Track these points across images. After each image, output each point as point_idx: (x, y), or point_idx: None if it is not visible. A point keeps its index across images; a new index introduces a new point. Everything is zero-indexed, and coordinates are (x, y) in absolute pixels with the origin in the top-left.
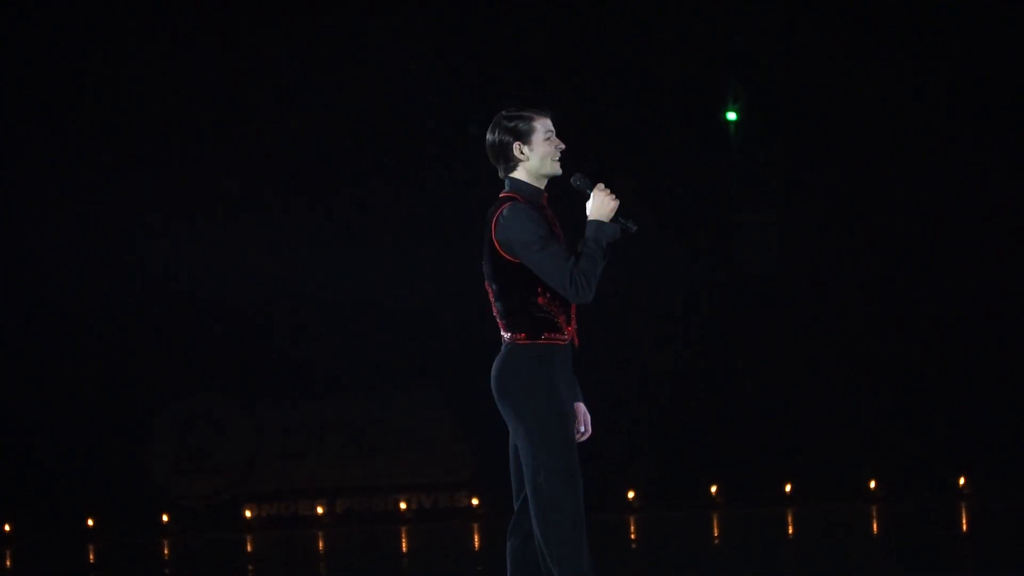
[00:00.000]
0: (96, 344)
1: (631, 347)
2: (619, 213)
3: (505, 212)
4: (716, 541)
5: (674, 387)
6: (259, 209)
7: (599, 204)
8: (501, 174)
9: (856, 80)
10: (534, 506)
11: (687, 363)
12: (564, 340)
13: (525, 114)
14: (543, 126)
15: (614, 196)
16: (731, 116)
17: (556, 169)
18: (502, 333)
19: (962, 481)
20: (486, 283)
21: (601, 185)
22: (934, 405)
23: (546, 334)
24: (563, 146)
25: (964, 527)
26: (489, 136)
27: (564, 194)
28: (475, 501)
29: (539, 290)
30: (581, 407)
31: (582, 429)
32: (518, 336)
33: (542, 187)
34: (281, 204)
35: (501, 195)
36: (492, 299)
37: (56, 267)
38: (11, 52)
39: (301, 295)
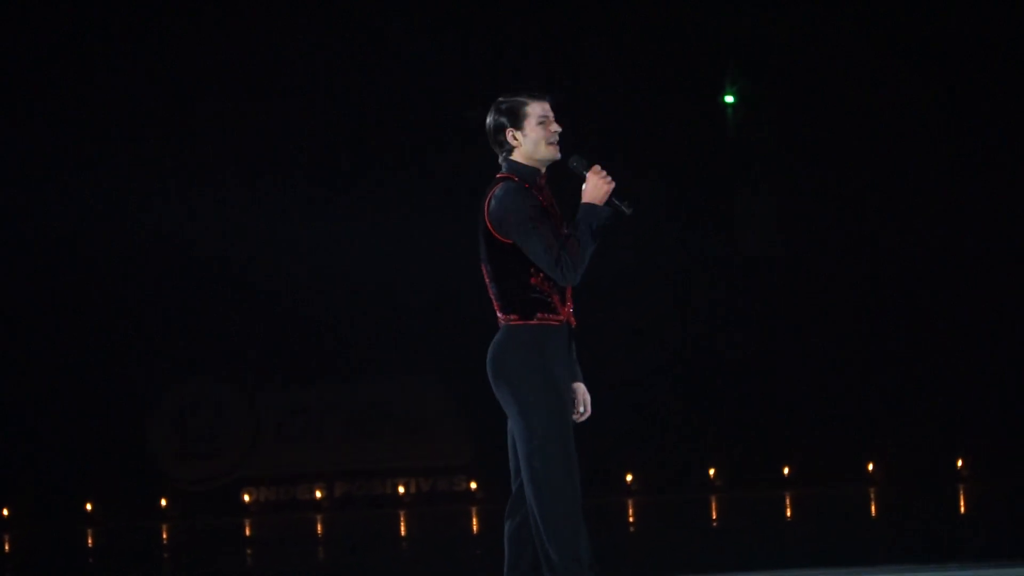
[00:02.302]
0: (96, 329)
1: (630, 331)
2: (613, 195)
3: (498, 192)
4: (714, 524)
5: (672, 372)
6: (257, 195)
7: (592, 187)
8: (500, 159)
9: (858, 62)
10: (530, 488)
11: (686, 347)
12: (559, 321)
13: (519, 99)
14: (536, 111)
15: (609, 179)
16: (728, 99)
17: (552, 153)
18: (497, 314)
19: (960, 463)
20: (481, 264)
21: (597, 167)
22: (932, 388)
23: (540, 315)
24: (559, 129)
25: (962, 510)
26: (487, 120)
27: (564, 177)
28: (473, 485)
29: (532, 271)
30: (581, 387)
31: (581, 409)
32: (511, 317)
33: (541, 168)
34: (280, 190)
35: (498, 176)
36: (487, 280)
37: (55, 252)
38: (31, 24)
39: (300, 281)
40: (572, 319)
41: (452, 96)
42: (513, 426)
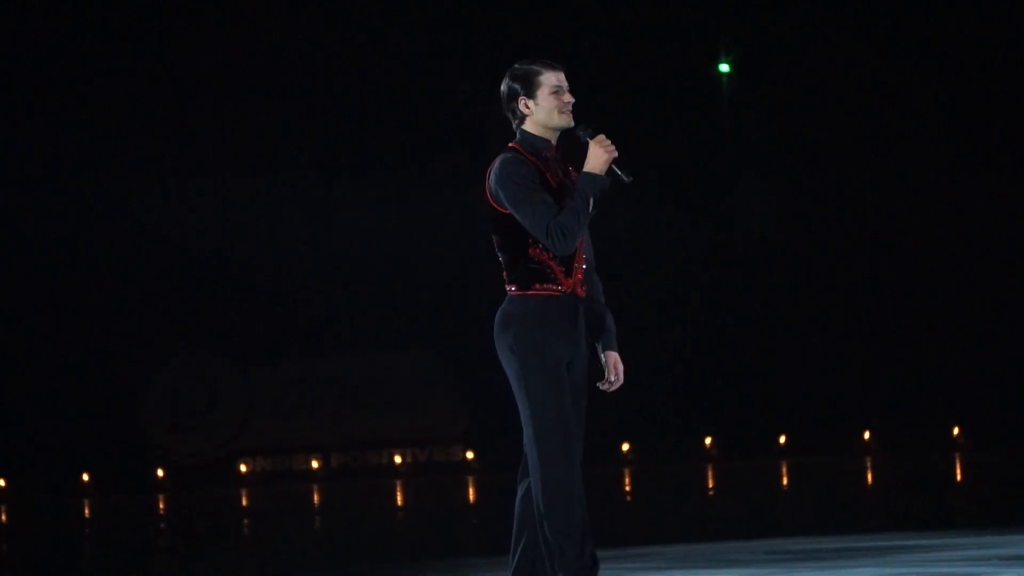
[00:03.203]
0: (92, 302)
1: (635, 306)
2: (614, 163)
3: (496, 164)
4: (710, 493)
5: (672, 345)
6: (257, 171)
7: (593, 156)
8: (513, 126)
9: (858, 62)
10: (528, 457)
11: (687, 321)
12: (558, 292)
13: (534, 68)
14: (551, 80)
15: (611, 148)
16: (724, 68)
17: (564, 122)
18: (505, 284)
19: (956, 431)
20: (491, 235)
21: (601, 137)
22: (928, 358)
23: (537, 285)
24: (572, 100)
25: (958, 478)
26: (501, 87)
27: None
28: (470, 455)
29: (531, 241)
30: (613, 355)
31: (612, 379)
32: (511, 287)
33: (552, 139)
34: (279, 167)
35: (509, 145)
36: (496, 250)
37: (52, 228)
38: (29, 26)
39: (298, 256)
40: (580, 290)
41: (452, 96)
42: (515, 394)
